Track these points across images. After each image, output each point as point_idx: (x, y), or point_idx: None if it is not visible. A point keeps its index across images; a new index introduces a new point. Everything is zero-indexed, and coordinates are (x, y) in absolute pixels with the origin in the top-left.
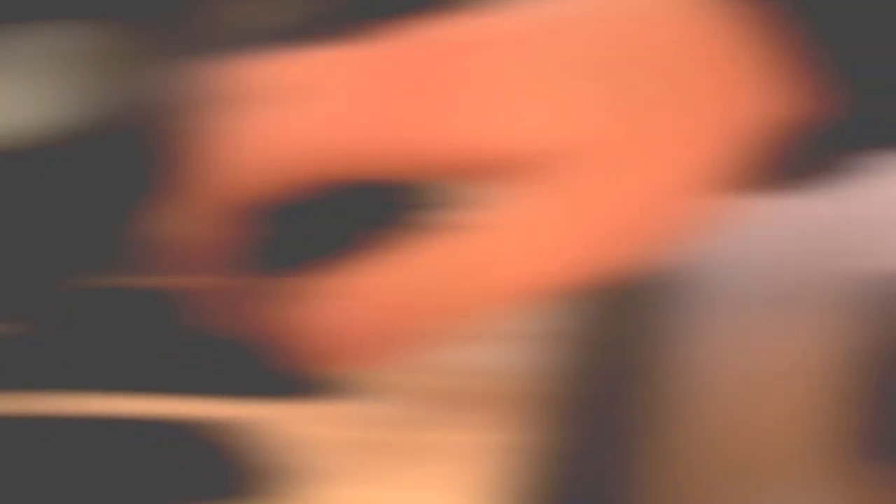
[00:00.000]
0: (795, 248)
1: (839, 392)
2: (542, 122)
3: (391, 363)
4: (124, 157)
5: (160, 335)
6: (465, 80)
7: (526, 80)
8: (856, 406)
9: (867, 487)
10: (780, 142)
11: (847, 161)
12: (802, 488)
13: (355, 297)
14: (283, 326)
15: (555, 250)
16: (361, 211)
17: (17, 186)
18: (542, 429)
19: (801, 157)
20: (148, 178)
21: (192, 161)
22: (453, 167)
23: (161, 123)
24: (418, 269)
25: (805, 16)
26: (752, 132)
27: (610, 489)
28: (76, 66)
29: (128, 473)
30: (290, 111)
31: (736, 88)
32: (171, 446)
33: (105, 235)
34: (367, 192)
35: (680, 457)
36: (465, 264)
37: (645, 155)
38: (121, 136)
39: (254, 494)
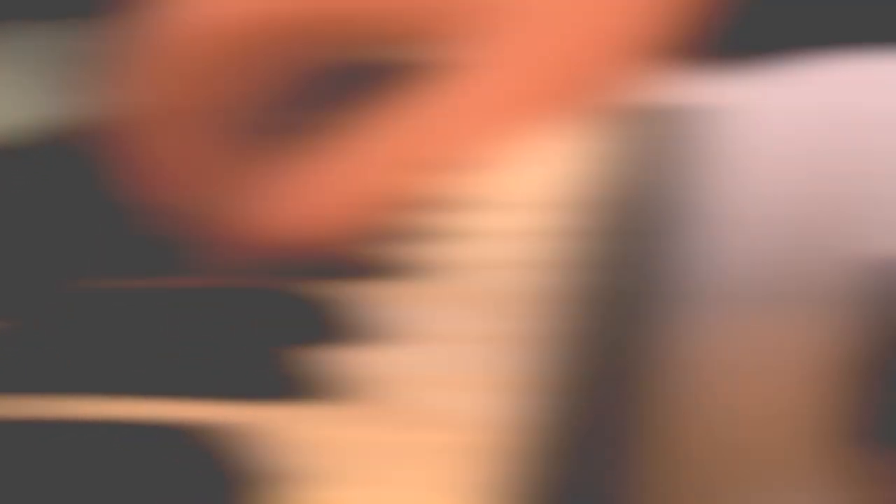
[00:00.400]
0: (790, 234)
1: (836, 386)
2: None
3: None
4: (103, 155)
5: (151, 337)
6: None
7: None
8: (852, 400)
9: (864, 483)
10: (688, 21)
11: (755, 53)
12: (800, 485)
13: (339, 161)
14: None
15: (517, 92)
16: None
17: (9, 185)
18: (534, 428)
19: (708, 40)
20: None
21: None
22: (411, 21)
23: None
24: (400, 125)
25: None
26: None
27: (604, 487)
28: (57, 65)
29: (120, 477)
30: None
31: None
32: (163, 449)
33: (97, 234)
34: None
35: (675, 454)
36: (439, 117)
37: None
38: (98, 136)
39: (246, 497)
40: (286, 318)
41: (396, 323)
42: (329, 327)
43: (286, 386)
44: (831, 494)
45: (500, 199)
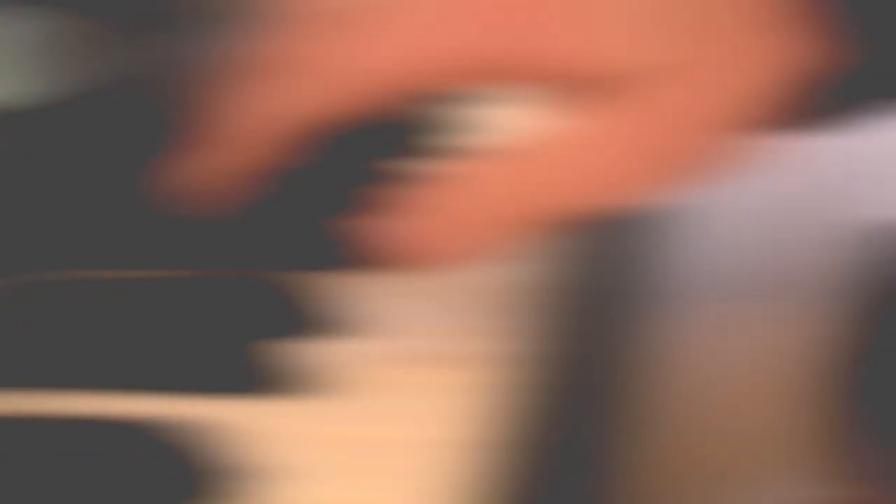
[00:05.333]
0: (780, 210)
1: (823, 382)
2: (620, 44)
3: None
4: (91, 139)
5: (121, 330)
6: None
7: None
8: (840, 395)
9: (852, 477)
10: (799, 88)
11: (858, 110)
12: (787, 479)
13: (455, 190)
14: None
15: (616, 161)
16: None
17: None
18: (511, 423)
19: (817, 104)
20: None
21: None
22: (532, 76)
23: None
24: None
25: None
26: (778, 75)
27: (581, 487)
28: (45, 50)
29: (89, 473)
30: (374, 30)
31: (766, 31)
32: (129, 446)
33: (74, 220)
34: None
35: (657, 451)
36: (534, 174)
37: (699, 81)
38: (90, 117)
39: (216, 495)
40: (257, 311)
41: (368, 316)
42: (300, 320)
43: (257, 380)
44: (819, 489)
45: None
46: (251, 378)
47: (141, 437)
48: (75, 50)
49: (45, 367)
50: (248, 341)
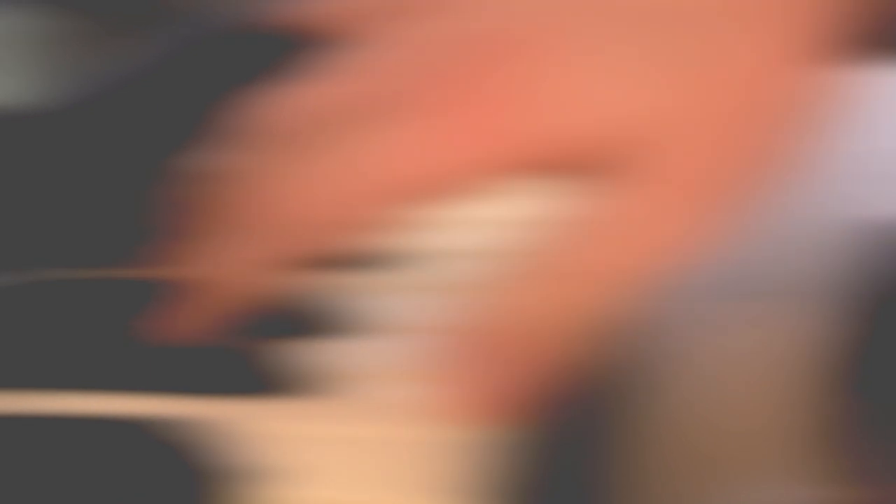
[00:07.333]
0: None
1: (822, 381)
2: (613, 100)
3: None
4: (88, 138)
5: (118, 328)
6: (522, 67)
7: (584, 52)
8: (838, 395)
9: (850, 478)
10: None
11: None
12: (787, 479)
13: None
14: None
15: (646, 239)
16: None
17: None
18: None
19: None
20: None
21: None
22: (535, 162)
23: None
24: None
25: None
26: (828, 30)
27: (584, 484)
28: (38, 47)
29: (86, 475)
30: (348, 144)
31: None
32: (130, 446)
33: (71, 221)
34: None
35: (657, 450)
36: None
37: (725, 115)
38: (83, 118)
39: (216, 495)
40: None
41: (364, 315)
42: (297, 321)
43: (255, 380)
44: (819, 489)
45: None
46: (252, 378)
47: (142, 437)
48: (74, 48)
49: (48, 366)
50: (247, 341)
